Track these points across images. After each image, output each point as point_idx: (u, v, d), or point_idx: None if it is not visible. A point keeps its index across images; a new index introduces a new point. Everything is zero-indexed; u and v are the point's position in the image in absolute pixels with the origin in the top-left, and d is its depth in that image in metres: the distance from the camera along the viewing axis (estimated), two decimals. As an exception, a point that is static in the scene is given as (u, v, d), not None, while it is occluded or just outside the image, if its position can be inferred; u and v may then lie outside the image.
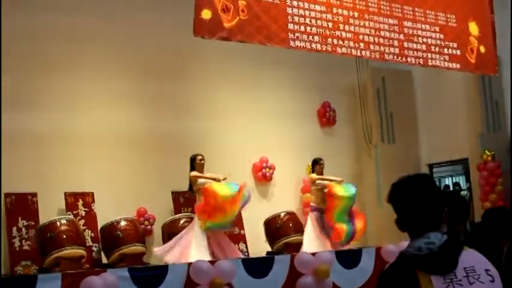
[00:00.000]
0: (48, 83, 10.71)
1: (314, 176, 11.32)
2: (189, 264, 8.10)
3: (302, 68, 13.44)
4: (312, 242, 10.70)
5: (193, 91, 12.23)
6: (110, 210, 10.57)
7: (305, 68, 13.48)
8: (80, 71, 11.07)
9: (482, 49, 11.10)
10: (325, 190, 11.00)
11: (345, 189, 10.96)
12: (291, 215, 11.75)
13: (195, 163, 10.10)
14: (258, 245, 11.55)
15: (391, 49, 9.95)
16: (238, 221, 11.34)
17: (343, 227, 10.72)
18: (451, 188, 16.37)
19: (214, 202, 9.33)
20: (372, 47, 9.67)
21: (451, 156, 14.33)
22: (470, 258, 2.71)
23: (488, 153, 13.18)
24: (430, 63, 10.39)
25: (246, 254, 11.35)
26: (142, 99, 11.67)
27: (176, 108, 11.96)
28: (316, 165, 11.41)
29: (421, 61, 10.31)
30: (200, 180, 9.83)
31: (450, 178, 17.20)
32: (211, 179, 9.81)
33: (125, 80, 11.50)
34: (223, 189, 9.47)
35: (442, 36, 10.59)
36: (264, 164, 12.89)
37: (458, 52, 10.78)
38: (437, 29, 10.58)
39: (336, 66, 13.61)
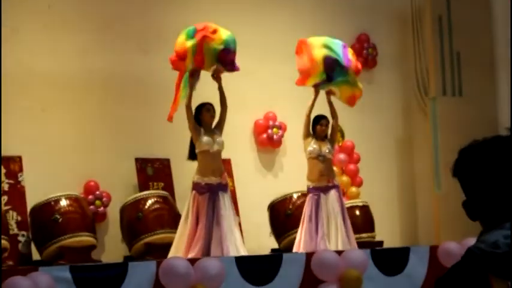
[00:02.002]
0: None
1: (308, 140, 10.93)
2: (158, 262, 8.09)
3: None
4: (301, 241, 10.57)
5: (175, 13, 12.11)
6: (46, 183, 10.66)
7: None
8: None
9: None
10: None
11: None
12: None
13: (202, 115, 10.04)
14: (260, 239, 11.54)
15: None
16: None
17: None
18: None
19: None
20: None
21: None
22: None
23: None
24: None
25: None
26: (96, 25, 11.66)
27: (147, 39, 11.94)
28: (317, 125, 10.96)
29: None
30: None
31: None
32: None
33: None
34: None
35: None
36: (271, 123, 12.86)
37: None
38: None
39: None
